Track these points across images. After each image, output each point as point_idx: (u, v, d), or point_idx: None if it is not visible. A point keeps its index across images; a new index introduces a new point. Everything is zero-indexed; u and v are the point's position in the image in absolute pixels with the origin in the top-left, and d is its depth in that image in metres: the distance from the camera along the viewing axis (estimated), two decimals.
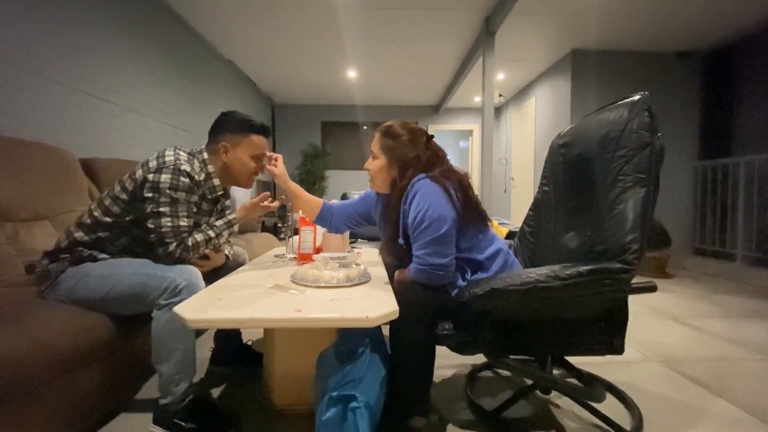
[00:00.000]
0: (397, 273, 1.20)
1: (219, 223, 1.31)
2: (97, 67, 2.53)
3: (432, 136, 1.27)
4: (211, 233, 1.27)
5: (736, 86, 4.08)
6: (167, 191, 1.15)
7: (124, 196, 1.20)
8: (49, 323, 1.03)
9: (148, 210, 1.16)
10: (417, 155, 1.20)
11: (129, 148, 2.85)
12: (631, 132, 1.03)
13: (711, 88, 4.30)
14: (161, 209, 1.15)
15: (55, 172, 1.75)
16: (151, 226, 1.16)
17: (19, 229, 1.51)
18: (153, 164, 1.18)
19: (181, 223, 1.18)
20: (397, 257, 1.26)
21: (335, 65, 4.95)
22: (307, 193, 1.46)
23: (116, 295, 1.13)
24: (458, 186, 1.13)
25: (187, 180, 1.18)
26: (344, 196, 3.37)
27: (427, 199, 1.08)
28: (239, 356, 1.61)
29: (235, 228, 1.37)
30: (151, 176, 1.15)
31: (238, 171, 1.33)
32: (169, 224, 1.16)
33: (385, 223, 1.29)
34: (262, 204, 1.42)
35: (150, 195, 1.15)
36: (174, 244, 1.17)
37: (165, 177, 1.15)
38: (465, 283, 1.12)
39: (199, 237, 1.23)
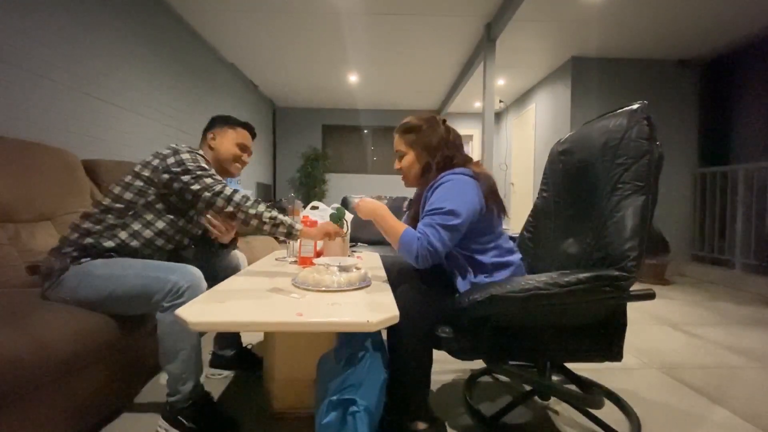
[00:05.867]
0: (363, 203, 1.23)
1: (282, 216, 1.31)
2: (101, 70, 2.55)
3: (445, 120, 1.29)
4: (263, 209, 1.28)
5: (736, 94, 4.10)
6: (192, 164, 1.26)
7: (139, 183, 1.26)
8: (50, 324, 1.03)
9: (185, 180, 1.24)
10: (441, 137, 1.24)
11: (131, 150, 2.86)
12: (630, 140, 1.04)
13: (710, 95, 4.33)
14: (198, 173, 1.25)
15: (58, 173, 1.76)
16: (195, 188, 1.24)
17: (21, 230, 1.52)
18: (167, 151, 1.27)
19: (216, 178, 1.28)
20: None
21: (337, 69, 4.98)
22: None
23: (119, 296, 1.14)
24: (488, 189, 1.16)
25: (200, 157, 1.31)
26: (344, 200, 3.38)
27: (452, 190, 1.12)
28: (239, 360, 1.62)
29: (293, 235, 1.32)
30: (171, 159, 1.25)
31: (223, 155, 1.44)
32: (209, 180, 1.25)
33: (409, 211, 1.33)
34: (333, 234, 1.39)
35: (179, 169, 1.24)
36: (221, 185, 1.26)
37: (185, 156, 1.27)
38: (467, 286, 1.13)
39: (250, 202, 1.27)
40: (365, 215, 1.23)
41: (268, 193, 6.40)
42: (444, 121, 1.28)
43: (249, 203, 1.26)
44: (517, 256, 1.22)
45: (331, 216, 1.56)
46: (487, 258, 1.16)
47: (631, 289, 0.97)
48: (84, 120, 2.41)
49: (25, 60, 2.00)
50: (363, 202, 1.24)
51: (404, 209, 1.12)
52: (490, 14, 3.49)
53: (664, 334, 2.23)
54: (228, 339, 1.61)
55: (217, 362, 1.61)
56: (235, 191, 1.27)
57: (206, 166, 1.30)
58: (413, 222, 1.23)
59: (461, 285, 1.14)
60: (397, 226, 1.14)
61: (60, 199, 1.73)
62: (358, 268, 1.21)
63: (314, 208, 1.73)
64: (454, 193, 1.11)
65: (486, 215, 1.15)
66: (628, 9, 3.27)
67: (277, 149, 6.94)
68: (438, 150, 1.22)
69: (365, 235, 3.11)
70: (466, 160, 1.24)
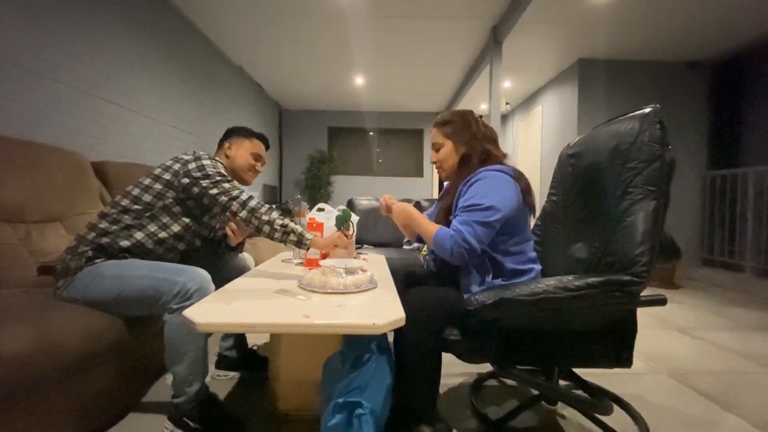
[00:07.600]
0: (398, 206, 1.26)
1: (293, 225, 1.30)
2: (110, 72, 2.58)
3: (481, 116, 1.31)
4: (275, 216, 1.29)
5: (745, 96, 4.05)
6: (212, 170, 1.30)
7: (158, 186, 1.29)
8: (60, 324, 1.04)
9: (205, 184, 1.27)
10: (475, 131, 1.26)
11: (140, 151, 2.89)
12: (642, 144, 1.02)
13: (720, 98, 4.28)
14: (217, 178, 1.28)
15: (68, 174, 1.78)
16: (213, 192, 1.26)
17: (32, 231, 1.54)
18: (188, 157, 1.31)
19: (234, 184, 1.32)
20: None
21: (343, 72, 5.00)
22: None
23: (127, 297, 1.15)
24: (526, 188, 1.17)
25: (220, 164, 1.35)
26: (350, 202, 3.38)
27: (489, 187, 1.12)
28: (245, 361, 1.62)
29: (303, 244, 1.32)
30: (192, 164, 1.28)
31: (239, 164, 1.50)
32: (227, 185, 1.29)
33: (440, 203, 1.32)
34: (337, 245, 1.40)
35: (199, 174, 1.27)
36: (238, 191, 1.29)
37: (206, 162, 1.31)
38: (479, 287, 1.13)
39: (264, 209, 1.29)
40: (402, 220, 1.29)
41: (274, 195, 6.42)
42: (480, 116, 1.31)
43: (263, 210, 1.28)
44: (537, 267, 1.21)
45: (337, 218, 1.56)
46: (509, 262, 1.15)
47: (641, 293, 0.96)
48: (93, 122, 2.44)
49: (34, 63, 2.03)
50: (397, 208, 1.29)
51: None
52: (496, 16, 3.48)
53: (673, 338, 2.21)
54: (234, 340, 1.62)
55: (222, 363, 1.61)
56: (251, 197, 1.30)
57: (225, 173, 1.33)
58: (444, 213, 1.25)
59: (474, 285, 1.14)
60: (430, 227, 1.17)
61: (70, 200, 1.75)
62: (364, 270, 1.21)
63: (320, 209, 1.73)
64: (492, 190, 1.12)
65: (520, 214, 1.16)
66: (635, 10, 3.25)
67: (283, 151, 6.97)
68: (476, 142, 1.24)
69: (371, 237, 3.12)
70: (504, 156, 1.26)
